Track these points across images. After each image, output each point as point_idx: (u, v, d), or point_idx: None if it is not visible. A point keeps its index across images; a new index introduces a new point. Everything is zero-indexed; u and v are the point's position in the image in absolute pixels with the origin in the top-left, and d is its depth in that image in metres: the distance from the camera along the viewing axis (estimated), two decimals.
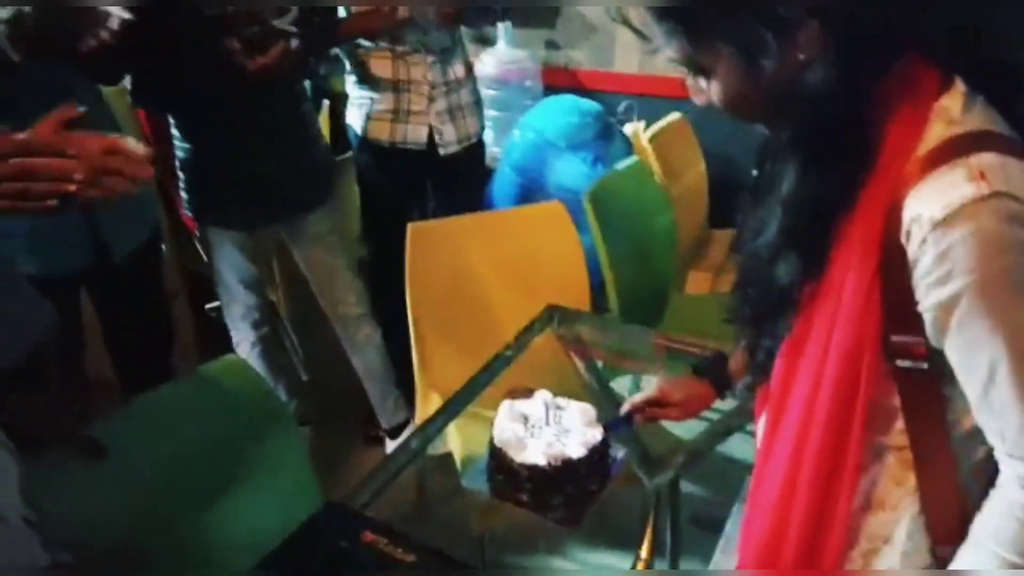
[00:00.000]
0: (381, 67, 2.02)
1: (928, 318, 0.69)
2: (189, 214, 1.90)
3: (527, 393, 1.25)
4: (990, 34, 0.70)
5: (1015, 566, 0.70)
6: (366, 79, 2.07)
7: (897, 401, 0.75)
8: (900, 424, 0.76)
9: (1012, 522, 0.70)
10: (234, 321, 2.01)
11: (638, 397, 1.19)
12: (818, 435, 0.77)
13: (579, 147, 2.59)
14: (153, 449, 1.15)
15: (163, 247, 2.16)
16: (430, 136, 2.08)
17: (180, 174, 1.86)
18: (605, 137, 2.65)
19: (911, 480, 0.77)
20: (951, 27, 0.69)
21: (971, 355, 0.68)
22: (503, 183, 2.71)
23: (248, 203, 1.82)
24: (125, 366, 1.78)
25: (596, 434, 1.16)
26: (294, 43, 1.65)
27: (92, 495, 1.07)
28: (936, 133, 0.68)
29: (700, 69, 0.75)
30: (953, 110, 0.69)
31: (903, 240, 0.68)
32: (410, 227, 1.81)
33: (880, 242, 0.69)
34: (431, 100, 2.05)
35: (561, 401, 1.22)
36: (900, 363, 0.72)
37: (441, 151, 2.10)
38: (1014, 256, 0.65)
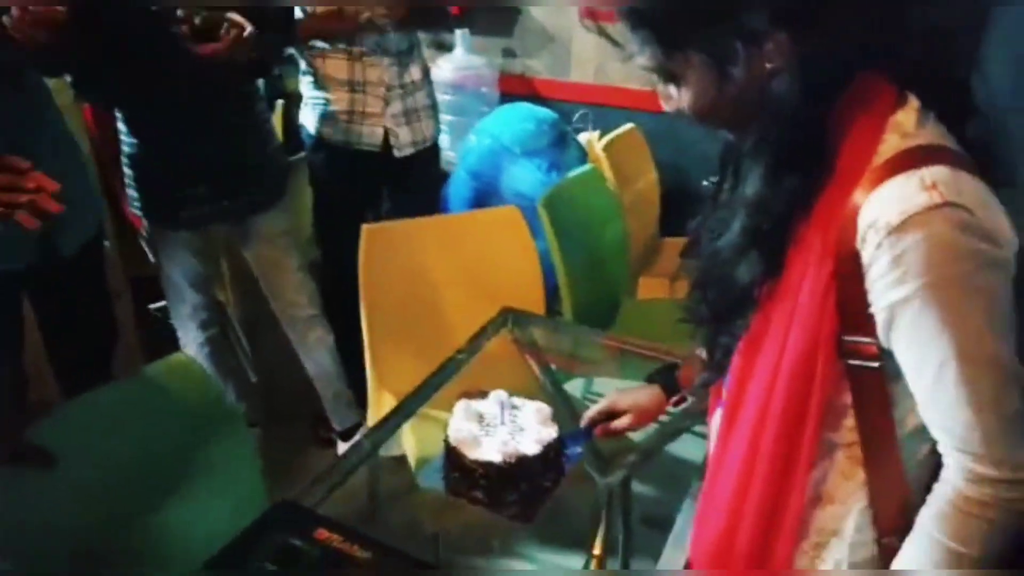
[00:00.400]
0: (337, 68, 2.02)
1: (881, 319, 0.72)
2: (136, 212, 1.85)
3: (482, 394, 1.26)
4: (943, 55, 0.75)
5: (959, 555, 0.72)
6: (322, 80, 2.05)
7: (848, 399, 0.78)
8: (850, 422, 0.79)
9: (957, 512, 0.73)
10: (181, 321, 1.96)
11: (592, 410, 1.22)
12: (772, 432, 0.80)
13: (534, 154, 2.61)
14: (97, 451, 1.12)
15: (106, 244, 2.11)
16: (385, 138, 2.08)
17: (127, 171, 1.80)
18: (560, 145, 2.69)
19: (860, 475, 0.80)
20: (909, 48, 0.73)
21: (921, 355, 0.71)
22: (458, 187, 2.72)
23: (198, 202, 1.78)
24: (65, 368, 1.73)
25: (551, 432, 1.17)
26: (247, 31, 1.61)
27: (33, 500, 1.03)
28: (891, 145, 0.72)
29: (671, 76, 0.78)
30: (907, 124, 0.72)
31: (858, 245, 0.71)
32: (365, 228, 1.80)
33: (836, 246, 0.72)
34: (387, 102, 2.05)
35: (516, 400, 1.23)
36: (852, 362, 0.75)
37: (396, 153, 2.10)
38: (964, 263, 0.68)
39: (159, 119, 1.70)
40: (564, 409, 1.37)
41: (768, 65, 0.72)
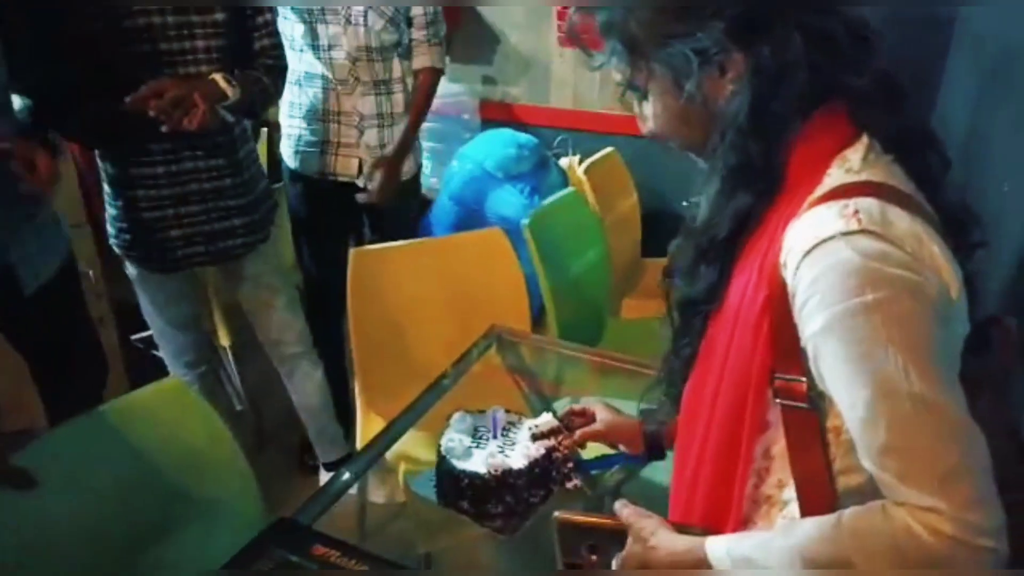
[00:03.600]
0: (315, 97, 2.03)
1: (808, 353, 0.70)
2: (116, 250, 1.79)
3: (480, 410, 1.28)
4: (898, 95, 0.75)
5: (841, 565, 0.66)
6: (297, 110, 2.08)
7: (779, 442, 0.75)
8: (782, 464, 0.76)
9: (883, 537, 0.65)
10: (169, 358, 1.94)
11: (573, 408, 1.23)
12: (707, 471, 0.80)
13: (516, 178, 2.66)
14: (87, 475, 1.13)
15: (89, 273, 2.10)
16: (360, 169, 2.09)
17: (107, 207, 1.76)
18: (541, 169, 2.74)
19: (792, 510, 0.76)
20: (862, 83, 0.73)
21: (844, 393, 0.67)
22: (442, 213, 2.76)
23: (180, 247, 1.73)
24: (56, 400, 1.71)
25: (540, 448, 1.19)
26: (224, 114, 1.60)
27: (18, 523, 1.03)
28: (833, 179, 0.71)
29: (637, 90, 0.81)
30: (853, 161, 0.72)
31: (782, 272, 0.70)
32: (352, 252, 1.83)
33: (769, 274, 0.72)
34: (361, 132, 2.06)
35: (514, 417, 1.25)
36: (783, 402, 0.73)
37: (369, 185, 2.07)
38: (881, 292, 0.64)
39: (137, 164, 1.65)
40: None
41: (729, 87, 0.74)
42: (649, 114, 0.81)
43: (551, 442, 1.20)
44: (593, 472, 1.26)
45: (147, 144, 1.62)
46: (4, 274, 1.44)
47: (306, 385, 2.09)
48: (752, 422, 0.75)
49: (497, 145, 2.74)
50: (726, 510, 0.79)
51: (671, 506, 0.90)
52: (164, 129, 1.48)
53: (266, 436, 2.39)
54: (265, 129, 2.76)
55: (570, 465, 1.21)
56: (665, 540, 0.79)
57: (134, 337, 2.39)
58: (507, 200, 2.62)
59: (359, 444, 1.87)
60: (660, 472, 1.33)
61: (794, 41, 0.71)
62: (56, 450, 1.11)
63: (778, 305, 0.71)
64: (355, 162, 2.08)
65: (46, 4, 1.47)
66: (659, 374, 0.94)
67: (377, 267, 1.84)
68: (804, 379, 0.71)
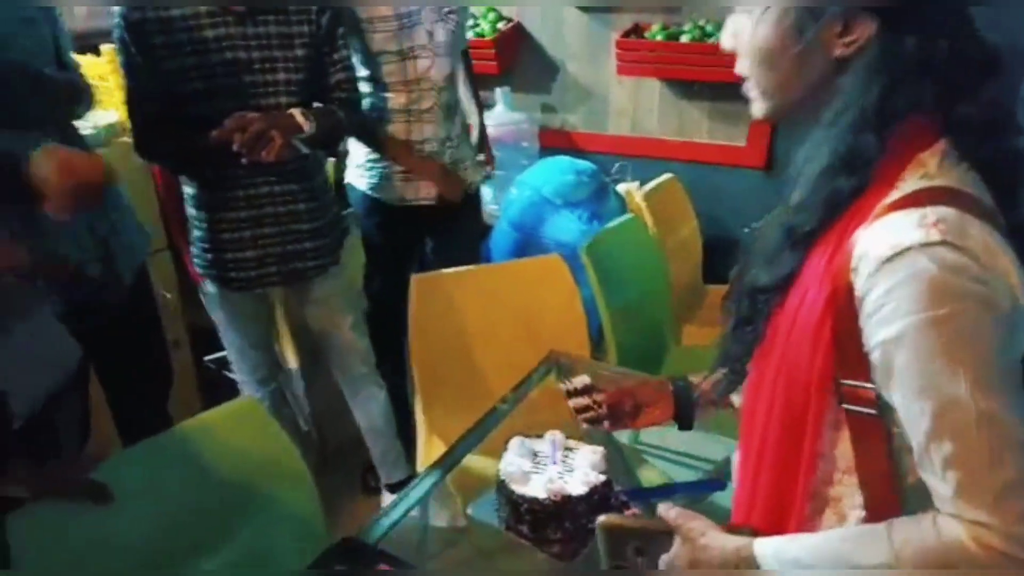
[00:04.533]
0: (398, 130, 2.08)
1: (874, 359, 0.70)
2: (197, 270, 1.92)
3: (538, 434, 1.29)
4: (1006, 126, 0.73)
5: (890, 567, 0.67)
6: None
7: (848, 447, 0.75)
8: (847, 466, 0.76)
9: (935, 543, 0.66)
10: (242, 376, 2.03)
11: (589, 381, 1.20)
12: (767, 472, 0.80)
13: (575, 204, 2.68)
14: (162, 492, 1.18)
15: (167, 296, 2.20)
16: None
17: (190, 230, 1.88)
18: (600, 195, 2.75)
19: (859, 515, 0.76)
20: (975, 114, 0.71)
21: (912, 403, 0.67)
22: (501, 239, 2.79)
23: (254, 268, 1.83)
24: (124, 413, 1.79)
25: (599, 475, 1.19)
26: (299, 146, 1.69)
27: (98, 540, 1.08)
28: (908, 184, 0.71)
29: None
30: (930, 166, 0.71)
31: (851, 276, 0.70)
32: (414, 278, 1.87)
33: (834, 274, 0.71)
34: (440, 155, 2.13)
35: (572, 443, 1.26)
36: (849, 407, 0.72)
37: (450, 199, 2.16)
38: (956, 305, 0.64)
39: (220, 190, 1.77)
40: (613, 456, 1.39)
41: (840, 50, 0.72)
42: (753, 31, 0.77)
43: (587, 400, 1.18)
44: (653, 500, 1.25)
45: (229, 171, 1.72)
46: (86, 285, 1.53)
47: (370, 406, 2.13)
48: (813, 424, 0.75)
49: (556, 172, 2.77)
50: (788, 510, 0.79)
51: (735, 506, 0.90)
52: (244, 161, 1.57)
53: (330, 457, 2.44)
54: (332, 159, 2.85)
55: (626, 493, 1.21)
56: (715, 540, 0.79)
57: (207, 358, 2.49)
58: (566, 226, 2.64)
59: (420, 467, 1.90)
60: (721, 500, 1.32)
61: (940, 45, 0.70)
62: (132, 467, 1.16)
63: (843, 309, 0.70)
64: (435, 186, 2.13)
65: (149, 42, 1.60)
66: (716, 361, 0.92)
67: (438, 292, 1.88)
68: (871, 385, 0.71)
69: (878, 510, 0.74)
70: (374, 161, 2.13)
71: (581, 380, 1.20)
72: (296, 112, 1.67)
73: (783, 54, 0.75)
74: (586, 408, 1.18)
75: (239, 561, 1.18)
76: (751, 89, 0.81)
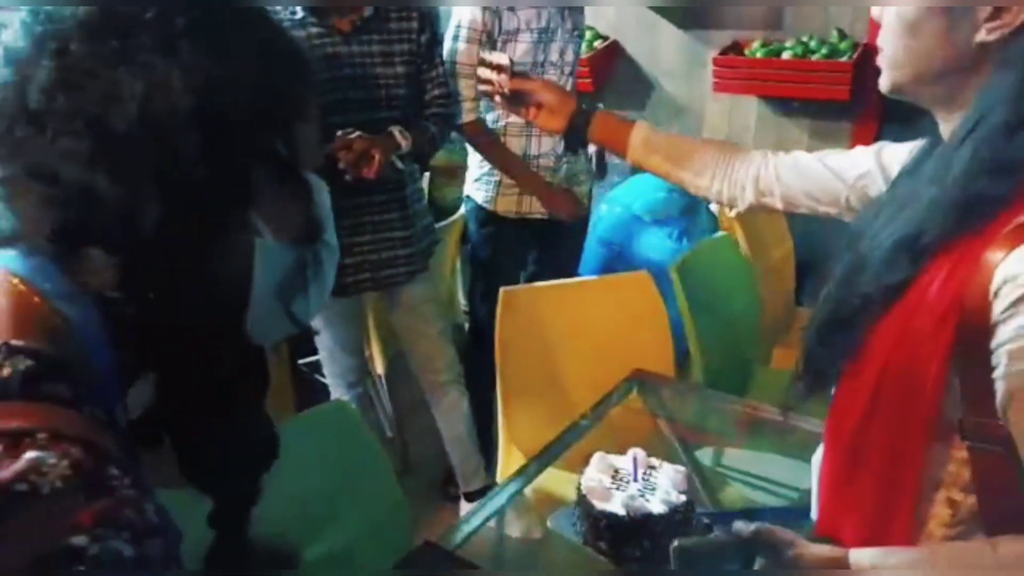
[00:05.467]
0: (514, 144, 2.13)
1: (1001, 390, 0.64)
2: None
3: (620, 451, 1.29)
4: None
5: None
6: None
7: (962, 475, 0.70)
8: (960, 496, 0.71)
9: None
10: (332, 379, 2.11)
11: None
12: (871, 484, 0.75)
13: (665, 222, 2.66)
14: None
15: None
16: None
17: None
18: (690, 213, 2.72)
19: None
20: None
21: None
22: (589, 255, 2.79)
23: (351, 274, 1.91)
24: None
25: (681, 495, 1.17)
26: (396, 162, 1.79)
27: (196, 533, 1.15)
28: None
29: None
30: None
31: (990, 298, 0.64)
32: (502, 291, 1.90)
33: (964, 294, 0.65)
34: (555, 170, 2.17)
35: (654, 461, 1.25)
36: (973, 444, 0.68)
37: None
38: None
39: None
40: (696, 477, 1.37)
41: (984, 34, 0.66)
42: (896, 13, 0.73)
43: (493, 75, 1.19)
44: (736, 524, 1.22)
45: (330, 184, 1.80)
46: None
47: (452, 414, 2.17)
48: (921, 446, 0.70)
49: (646, 188, 2.75)
50: (887, 526, 0.75)
51: (819, 517, 0.87)
52: (348, 178, 1.66)
53: (411, 463, 2.50)
54: (427, 174, 2.93)
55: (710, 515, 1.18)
56: (805, 548, 0.76)
57: (301, 362, 2.60)
58: (655, 243, 2.62)
59: (499, 477, 1.92)
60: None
61: None
62: None
63: (973, 334, 0.65)
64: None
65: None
66: (798, 365, 0.87)
67: (525, 306, 1.90)
68: (1000, 420, 0.65)
69: (987, 529, 0.69)
70: (488, 173, 2.19)
71: (499, 57, 1.21)
72: (395, 130, 1.75)
73: (925, 23, 0.70)
74: (488, 82, 1.20)
75: (325, 560, 1.22)
76: (883, 59, 0.76)
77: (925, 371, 0.68)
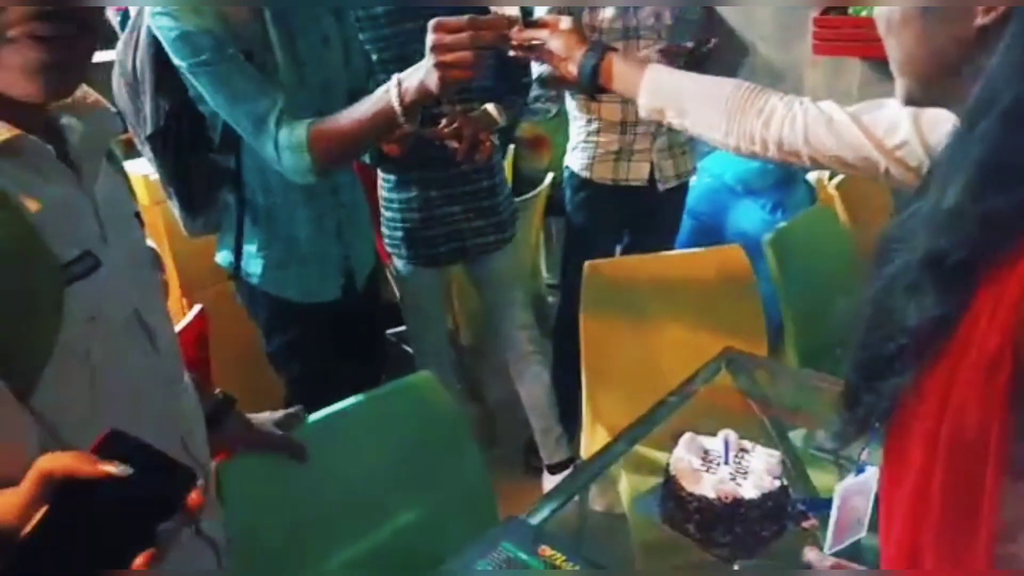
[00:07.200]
0: (611, 111, 2.10)
1: None
2: (388, 249, 2.04)
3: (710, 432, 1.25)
4: None
5: None
6: (595, 124, 2.15)
7: None
8: None
9: None
10: (418, 350, 2.15)
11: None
12: (936, 528, 0.63)
13: (758, 193, 2.55)
14: (347, 456, 1.25)
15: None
16: (651, 172, 2.15)
17: (382, 211, 2.00)
18: (786, 184, 2.60)
19: None
20: None
21: None
22: None
23: (442, 243, 1.94)
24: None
25: (775, 481, 1.13)
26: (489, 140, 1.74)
27: (292, 495, 1.18)
28: None
29: None
30: None
31: None
32: (587, 265, 1.87)
33: (1012, 329, 0.54)
34: (655, 137, 2.13)
35: (746, 443, 1.20)
36: None
37: (660, 186, 2.17)
38: None
39: (409, 172, 1.88)
40: (789, 460, 1.32)
41: (984, 18, 0.58)
42: (880, 12, 0.66)
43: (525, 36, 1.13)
44: (808, 555, 1.16)
45: (420, 159, 1.81)
46: (345, 271, 1.61)
47: (535, 385, 2.18)
48: (992, 494, 0.58)
49: (737, 158, 2.64)
50: (959, 565, 0.67)
51: (883, 558, 0.79)
52: (459, 159, 1.63)
53: (495, 436, 2.52)
54: (512, 146, 2.91)
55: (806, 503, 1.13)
56: None
57: (389, 332, 2.65)
58: (748, 216, 2.52)
59: (583, 451, 1.91)
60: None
61: None
62: (314, 434, 1.23)
63: None
64: (647, 167, 2.15)
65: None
66: (841, 408, 0.73)
67: (611, 278, 1.87)
68: None
69: None
70: (585, 141, 2.17)
71: (508, 8, 1.16)
72: (491, 107, 1.73)
73: (911, 18, 0.62)
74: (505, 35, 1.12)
75: (411, 528, 1.25)
76: (891, 66, 0.68)
77: (985, 415, 0.57)
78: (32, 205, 0.70)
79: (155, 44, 1.32)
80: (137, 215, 0.88)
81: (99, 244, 0.76)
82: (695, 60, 1.99)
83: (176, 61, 1.25)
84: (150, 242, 0.98)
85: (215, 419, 1.04)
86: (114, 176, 0.86)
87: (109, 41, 1.75)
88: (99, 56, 0.79)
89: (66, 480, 0.51)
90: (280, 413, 1.20)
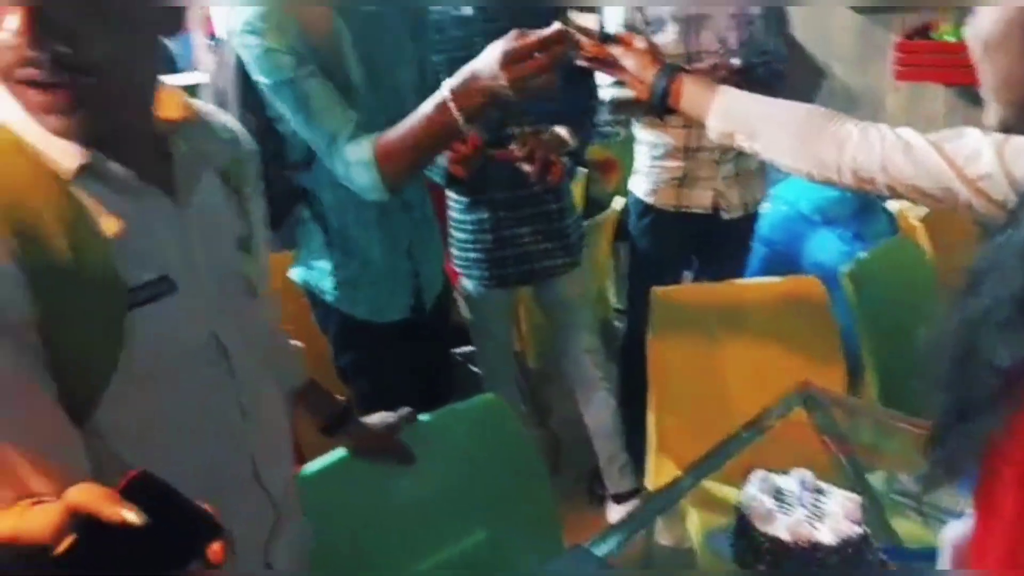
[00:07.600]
0: (675, 136, 2.07)
1: None
2: (457, 270, 2.05)
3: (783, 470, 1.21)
4: None
5: None
6: (659, 150, 2.13)
7: None
8: None
9: None
10: (485, 372, 2.15)
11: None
12: None
13: (836, 222, 2.48)
14: (412, 474, 1.25)
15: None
16: (715, 200, 2.11)
17: (451, 232, 2.01)
18: (865, 213, 2.52)
19: None
20: None
21: None
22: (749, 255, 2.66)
23: (507, 264, 1.95)
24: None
25: (854, 527, 1.08)
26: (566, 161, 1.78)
27: (369, 503, 1.20)
28: None
29: None
30: None
31: None
32: (655, 291, 1.84)
33: None
34: (719, 164, 2.08)
35: (823, 485, 1.16)
36: None
37: (724, 215, 2.12)
38: None
39: (478, 194, 1.90)
40: (869, 504, 1.26)
41: None
42: (974, 34, 0.64)
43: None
44: (915, 563, 1.11)
45: (489, 183, 1.83)
46: (416, 290, 1.61)
47: (601, 412, 2.15)
48: None
49: (815, 185, 2.56)
50: None
51: None
52: (532, 180, 1.66)
53: (559, 461, 2.50)
54: (584, 170, 2.90)
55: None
56: None
57: (456, 351, 2.66)
58: (824, 246, 2.45)
59: (648, 482, 1.87)
60: None
61: None
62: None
63: None
64: (710, 194, 2.10)
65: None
66: (927, 453, 0.70)
67: (680, 307, 1.84)
68: None
69: None
70: (650, 166, 2.15)
71: (586, 19, 1.13)
72: (561, 130, 1.74)
73: (1010, 40, 0.61)
74: (580, 46, 1.12)
75: (475, 551, 1.24)
76: (983, 91, 0.66)
77: None
78: (111, 226, 0.70)
79: (240, 63, 1.36)
80: (241, 239, 0.86)
81: (181, 267, 0.76)
82: (758, 82, 1.92)
83: (258, 78, 1.29)
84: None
85: (335, 425, 1.08)
86: (222, 197, 0.85)
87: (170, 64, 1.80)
88: (171, 79, 0.80)
89: (91, 516, 0.52)
90: (392, 415, 1.22)
